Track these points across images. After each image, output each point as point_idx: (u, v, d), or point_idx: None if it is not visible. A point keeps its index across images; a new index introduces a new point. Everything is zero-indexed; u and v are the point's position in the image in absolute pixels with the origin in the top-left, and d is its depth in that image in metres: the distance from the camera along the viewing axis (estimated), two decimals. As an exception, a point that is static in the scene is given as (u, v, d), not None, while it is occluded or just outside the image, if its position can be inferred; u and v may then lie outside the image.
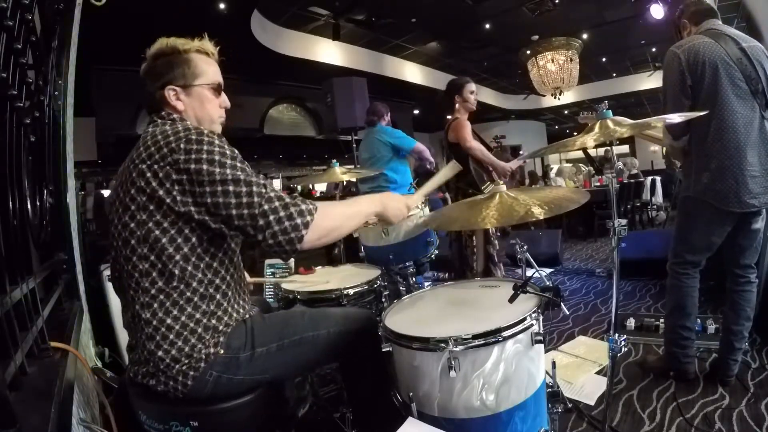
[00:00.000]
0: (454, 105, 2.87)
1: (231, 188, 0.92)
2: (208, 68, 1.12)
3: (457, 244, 2.90)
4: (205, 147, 0.93)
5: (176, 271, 0.96)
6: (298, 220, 0.94)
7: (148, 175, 0.93)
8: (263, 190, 0.94)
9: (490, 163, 2.73)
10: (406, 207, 1.24)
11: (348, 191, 6.92)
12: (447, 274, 3.95)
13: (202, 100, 1.11)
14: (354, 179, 3.55)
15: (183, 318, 0.96)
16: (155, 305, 0.96)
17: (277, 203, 0.93)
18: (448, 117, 2.96)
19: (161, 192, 0.93)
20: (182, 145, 0.93)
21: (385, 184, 3.10)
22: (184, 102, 1.09)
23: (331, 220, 1.01)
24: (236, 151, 0.98)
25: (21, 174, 0.99)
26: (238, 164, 0.95)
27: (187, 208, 0.93)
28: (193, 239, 0.97)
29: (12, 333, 0.76)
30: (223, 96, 1.16)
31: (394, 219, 1.22)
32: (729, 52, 1.63)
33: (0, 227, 0.80)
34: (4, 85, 0.86)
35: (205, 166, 0.91)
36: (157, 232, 0.94)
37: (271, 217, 0.92)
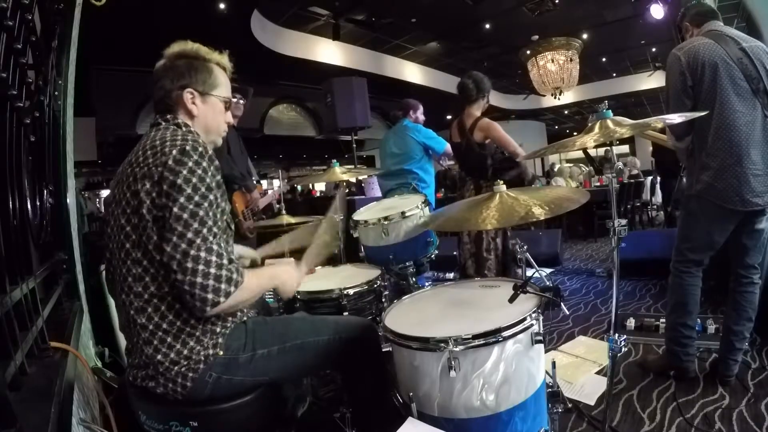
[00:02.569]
0: (479, 102, 2.70)
1: (185, 216, 0.90)
2: (224, 82, 1.14)
3: (474, 246, 2.87)
4: (192, 163, 0.92)
5: (171, 275, 0.95)
6: (223, 286, 0.90)
7: (139, 177, 0.94)
8: (210, 239, 0.91)
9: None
10: (300, 279, 1.20)
11: (349, 192, 6.91)
12: (453, 274, 3.93)
13: (215, 111, 1.13)
14: (363, 177, 3.52)
15: (179, 323, 0.96)
16: (149, 309, 0.95)
17: (214, 258, 0.90)
18: (473, 114, 2.72)
19: (153, 194, 0.93)
20: (175, 152, 0.93)
21: (414, 182, 3.07)
22: (199, 107, 1.10)
23: (244, 295, 0.96)
24: (217, 176, 0.97)
25: (21, 174, 0.99)
26: (210, 197, 0.93)
27: (157, 213, 0.92)
28: None
29: (12, 333, 0.76)
30: (229, 113, 1.18)
31: (287, 295, 1.17)
32: (729, 53, 1.64)
33: (0, 227, 0.80)
34: (4, 85, 0.86)
35: (180, 182, 0.90)
36: (155, 238, 0.94)
37: (200, 267, 0.88)
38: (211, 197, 0.94)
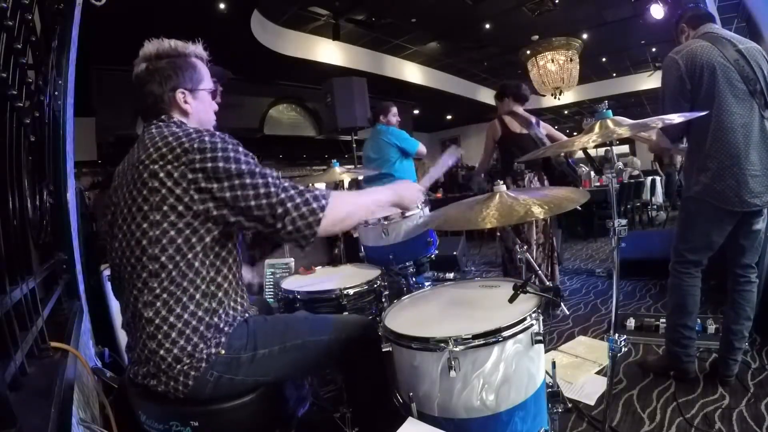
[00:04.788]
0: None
1: (248, 181, 0.95)
2: (205, 73, 1.15)
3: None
4: (219, 145, 0.96)
5: (185, 270, 0.96)
6: (315, 205, 0.98)
7: (161, 175, 0.94)
8: (278, 181, 0.98)
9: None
10: (420, 192, 1.32)
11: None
12: (453, 274, 3.91)
13: (205, 104, 1.15)
14: (360, 177, 3.57)
15: (186, 316, 0.96)
16: (158, 303, 0.96)
17: (292, 191, 0.98)
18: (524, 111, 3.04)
19: (178, 191, 0.93)
20: (196, 145, 0.95)
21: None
22: (191, 105, 1.11)
23: (346, 205, 1.05)
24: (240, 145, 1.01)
25: (21, 174, 0.99)
26: (250, 159, 0.98)
27: (205, 206, 0.95)
28: (207, 238, 0.98)
29: (12, 333, 0.76)
30: (214, 101, 1.20)
31: (411, 205, 1.29)
32: (726, 55, 1.65)
33: (0, 227, 0.80)
34: (4, 85, 0.86)
35: (221, 164, 0.94)
36: (172, 233, 0.94)
37: (289, 204, 0.96)
38: (250, 156, 0.98)
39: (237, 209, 0.96)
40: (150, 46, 1.09)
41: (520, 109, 3.00)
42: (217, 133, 1.00)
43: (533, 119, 2.97)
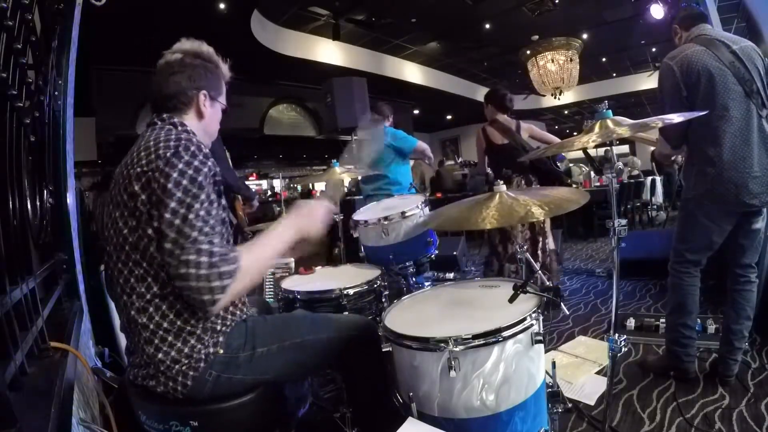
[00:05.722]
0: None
1: (177, 222, 0.89)
2: (224, 90, 1.18)
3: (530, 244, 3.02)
4: (183, 161, 0.92)
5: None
6: (215, 284, 0.88)
7: (133, 178, 0.94)
8: (201, 238, 0.89)
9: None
10: (321, 213, 1.16)
11: (349, 192, 6.90)
12: (453, 274, 3.92)
13: (217, 115, 1.17)
14: (359, 177, 3.58)
15: (179, 322, 0.96)
16: (151, 309, 0.95)
17: (204, 258, 0.88)
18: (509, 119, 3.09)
19: (144, 197, 0.93)
20: (168, 154, 0.93)
21: (388, 186, 3.13)
22: (207, 110, 1.12)
23: (249, 277, 0.96)
24: (213, 170, 0.96)
25: (21, 174, 0.99)
26: (203, 196, 0.92)
27: (151, 224, 0.92)
28: None
29: (12, 333, 0.76)
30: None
31: (316, 234, 1.14)
32: (721, 58, 1.64)
33: (0, 227, 0.80)
34: (4, 85, 0.86)
35: (170, 185, 0.89)
36: (146, 240, 0.94)
37: (192, 271, 0.87)
38: (203, 196, 0.92)
39: (156, 239, 0.91)
40: (188, 43, 1.10)
41: (502, 117, 3.06)
42: (192, 148, 0.95)
43: (513, 125, 3.03)
